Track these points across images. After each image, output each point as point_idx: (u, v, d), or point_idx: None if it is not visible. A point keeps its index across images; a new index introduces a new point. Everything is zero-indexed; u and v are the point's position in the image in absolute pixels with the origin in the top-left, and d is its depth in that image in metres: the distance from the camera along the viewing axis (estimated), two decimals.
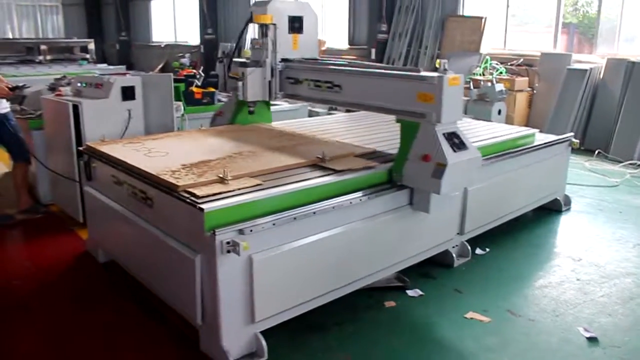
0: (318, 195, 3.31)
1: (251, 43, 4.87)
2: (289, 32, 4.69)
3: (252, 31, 5.12)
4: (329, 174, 3.50)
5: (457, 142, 3.57)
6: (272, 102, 5.33)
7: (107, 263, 4.39)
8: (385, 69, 4.04)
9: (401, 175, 3.71)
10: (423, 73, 3.60)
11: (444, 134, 3.54)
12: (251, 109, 4.95)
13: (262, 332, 3.15)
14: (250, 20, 4.69)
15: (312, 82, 4.42)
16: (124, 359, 3.24)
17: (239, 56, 10.20)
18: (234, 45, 5.05)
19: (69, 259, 4.58)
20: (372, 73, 3.99)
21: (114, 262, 4.30)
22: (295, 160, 3.72)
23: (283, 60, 4.71)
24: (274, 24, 4.60)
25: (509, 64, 10.17)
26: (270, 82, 4.73)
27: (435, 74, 3.48)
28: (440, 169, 3.45)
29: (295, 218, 3.11)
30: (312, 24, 4.87)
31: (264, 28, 4.64)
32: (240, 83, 4.66)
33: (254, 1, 15.76)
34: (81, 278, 4.26)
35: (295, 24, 4.71)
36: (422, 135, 3.59)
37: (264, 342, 3.10)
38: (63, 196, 5.43)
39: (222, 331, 2.98)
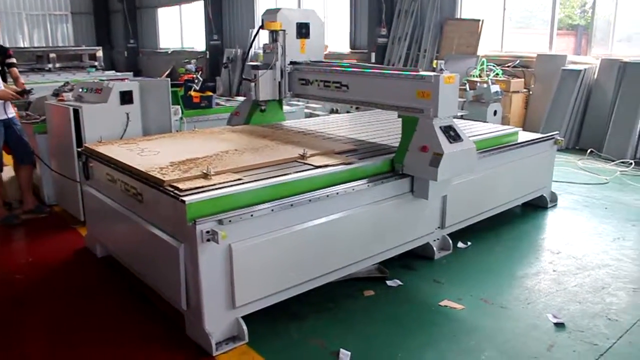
0: (296, 189, 3.50)
1: (262, 48, 5.33)
2: (297, 37, 5.15)
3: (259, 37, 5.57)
4: (307, 169, 3.70)
5: (452, 134, 3.94)
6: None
7: (105, 257, 4.63)
8: (387, 70, 4.36)
9: (402, 164, 4.04)
10: (421, 72, 3.95)
11: (440, 127, 3.90)
12: (263, 107, 5.37)
13: (244, 319, 3.35)
14: (262, 27, 5.10)
15: (322, 82, 4.79)
16: (116, 342, 3.44)
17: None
18: (246, 50, 5.48)
19: (69, 254, 4.82)
20: (376, 74, 4.33)
21: (111, 256, 4.54)
22: (278, 157, 3.93)
23: (292, 62, 5.15)
24: (283, 30, 5.04)
25: (505, 65, 10.33)
26: (280, 83, 5.20)
27: (432, 74, 3.83)
28: (437, 158, 3.80)
29: (272, 210, 3.32)
30: (318, 29, 5.34)
31: (274, 34, 5.08)
32: (253, 84, 5.11)
33: (258, 7, 16.16)
34: (79, 271, 4.50)
35: (303, 30, 5.16)
36: (421, 129, 3.95)
37: (244, 327, 3.31)
38: (65, 196, 5.68)
39: (204, 316, 3.19)
